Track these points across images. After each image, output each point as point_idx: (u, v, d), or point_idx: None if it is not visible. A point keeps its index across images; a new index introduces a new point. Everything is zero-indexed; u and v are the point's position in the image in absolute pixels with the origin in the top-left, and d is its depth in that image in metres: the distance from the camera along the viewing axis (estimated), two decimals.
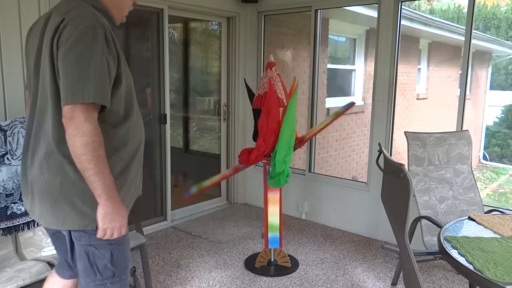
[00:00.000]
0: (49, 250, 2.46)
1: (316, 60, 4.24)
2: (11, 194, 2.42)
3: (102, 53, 1.41)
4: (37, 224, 2.48)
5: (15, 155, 2.44)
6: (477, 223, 2.17)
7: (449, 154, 3.06)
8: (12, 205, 2.42)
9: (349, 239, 3.93)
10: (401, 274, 2.88)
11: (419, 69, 9.01)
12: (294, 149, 3.10)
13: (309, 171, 4.40)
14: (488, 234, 2.02)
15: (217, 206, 4.77)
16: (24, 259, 2.40)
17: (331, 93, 6.55)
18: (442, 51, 9.58)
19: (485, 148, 11.18)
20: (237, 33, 4.57)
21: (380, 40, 3.73)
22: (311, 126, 4.29)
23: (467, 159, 3.09)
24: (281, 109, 3.07)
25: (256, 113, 3.20)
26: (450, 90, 9.65)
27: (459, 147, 3.08)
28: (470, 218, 2.24)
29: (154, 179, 4.09)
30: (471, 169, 3.10)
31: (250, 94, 3.36)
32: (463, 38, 3.45)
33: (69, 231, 1.59)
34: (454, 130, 3.44)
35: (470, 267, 1.68)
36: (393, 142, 3.95)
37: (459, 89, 3.52)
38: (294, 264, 3.36)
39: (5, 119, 2.71)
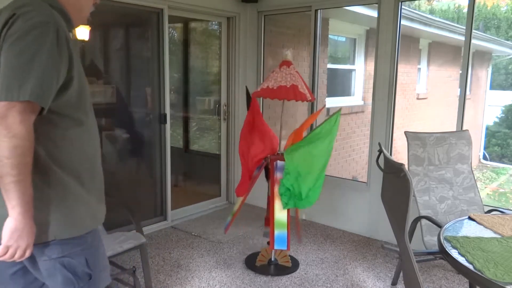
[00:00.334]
0: None
1: (316, 60, 4.24)
2: None
3: (50, 50, 1.28)
4: None
5: None
6: (477, 223, 2.17)
7: (449, 154, 3.06)
8: None
9: (349, 239, 3.93)
10: (401, 274, 2.88)
11: (419, 69, 9.01)
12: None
13: None
14: (488, 234, 2.02)
15: (217, 206, 4.77)
16: None
17: (331, 93, 6.56)
18: (442, 51, 9.57)
19: (485, 148, 11.17)
20: (237, 33, 4.57)
21: (380, 40, 3.73)
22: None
23: (467, 159, 3.09)
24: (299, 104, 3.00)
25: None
26: (450, 90, 9.64)
27: (459, 147, 3.08)
28: (470, 218, 2.24)
29: (154, 179, 4.09)
30: (471, 169, 3.10)
31: (249, 101, 3.26)
32: (463, 38, 3.45)
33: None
34: (454, 130, 3.44)
35: (470, 267, 1.68)
36: (393, 142, 3.95)
37: (459, 89, 3.52)
38: (294, 264, 3.35)
39: None
